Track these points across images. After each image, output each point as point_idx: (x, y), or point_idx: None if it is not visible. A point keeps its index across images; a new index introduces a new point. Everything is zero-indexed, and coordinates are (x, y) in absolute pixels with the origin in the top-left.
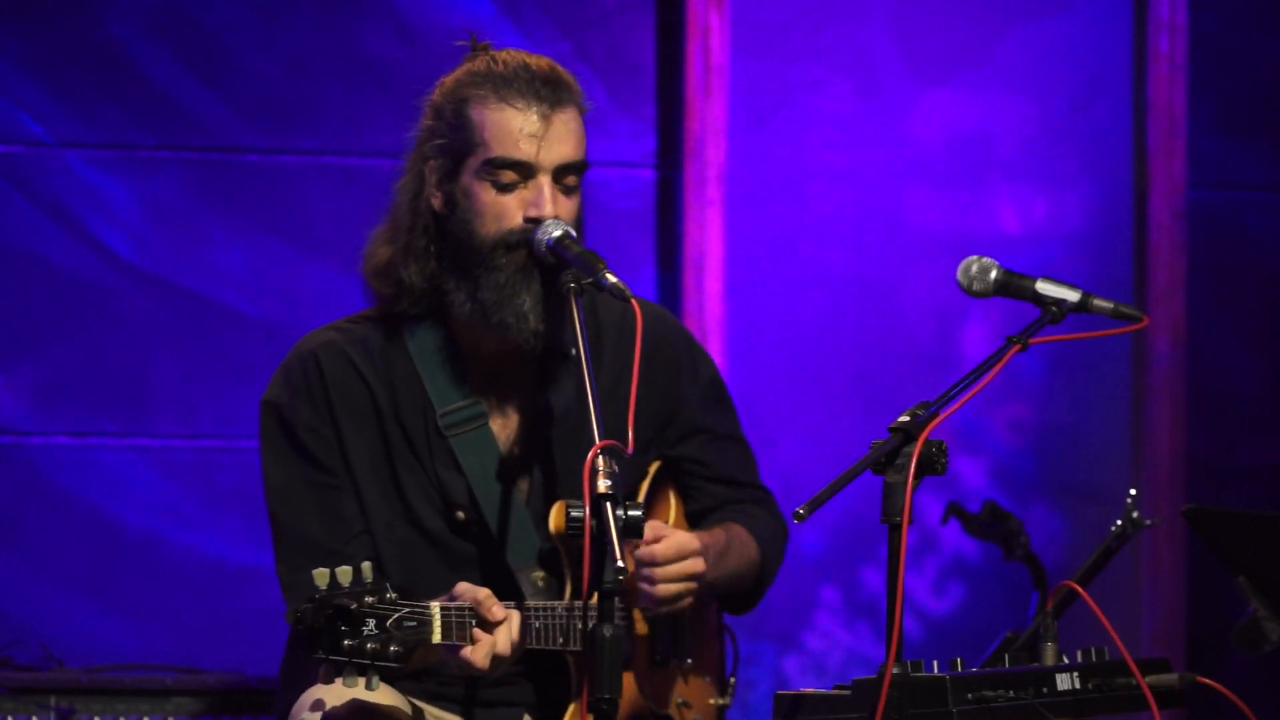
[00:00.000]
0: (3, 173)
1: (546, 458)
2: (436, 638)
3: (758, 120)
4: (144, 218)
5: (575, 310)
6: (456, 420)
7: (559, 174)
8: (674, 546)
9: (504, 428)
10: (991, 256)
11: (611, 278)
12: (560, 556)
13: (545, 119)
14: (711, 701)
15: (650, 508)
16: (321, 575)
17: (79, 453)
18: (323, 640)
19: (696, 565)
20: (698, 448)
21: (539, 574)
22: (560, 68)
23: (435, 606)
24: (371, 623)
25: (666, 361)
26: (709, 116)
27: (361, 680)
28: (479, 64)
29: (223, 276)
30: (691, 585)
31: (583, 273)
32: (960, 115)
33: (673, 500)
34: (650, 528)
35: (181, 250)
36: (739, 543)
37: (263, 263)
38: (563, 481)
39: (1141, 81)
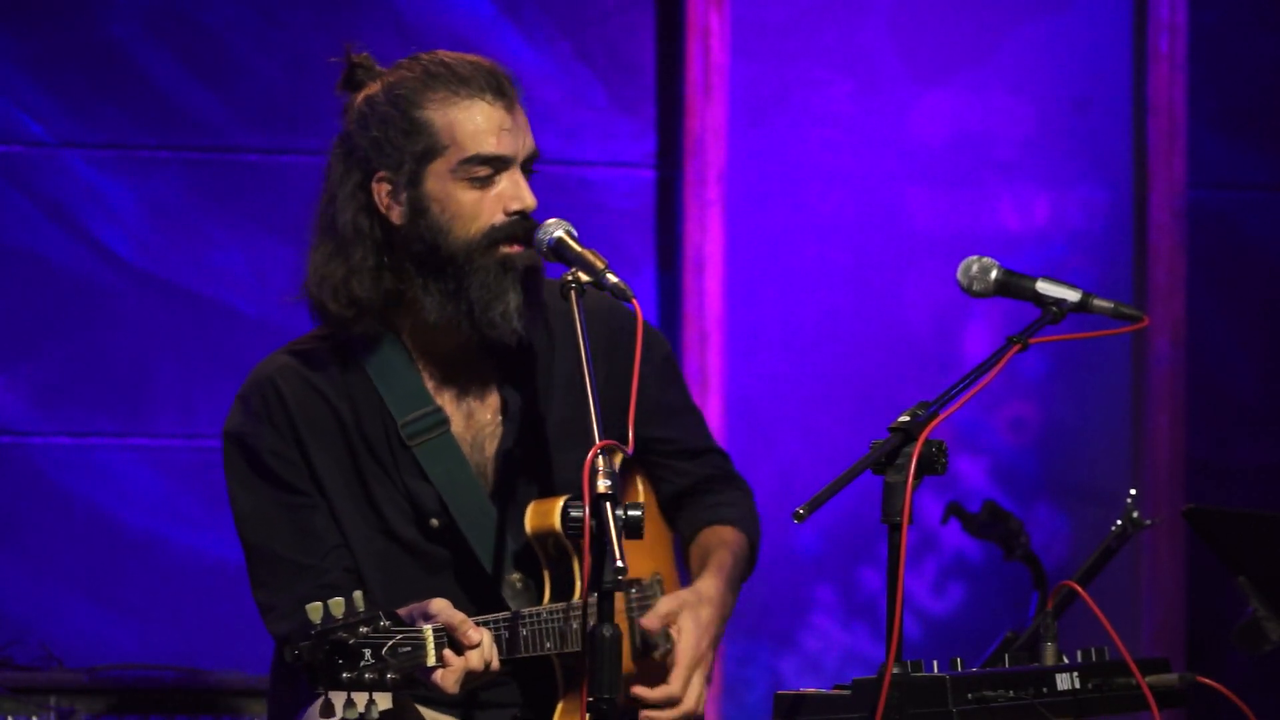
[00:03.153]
0: (3, 173)
1: (510, 455)
2: (431, 660)
3: (758, 120)
4: (144, 218)
5: (577, 310)
6: (419, 429)
7: (525, 165)
8: (661, 696)
9: (466, 429)
10: (991, 256)
11: (613, 277)
12: (538, 557)
13: (510, 112)
14: None
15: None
16: (315, 609)
17: (79, 453)
18: (321, 675)
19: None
20: (661, 426)
21: (515, 576)
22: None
23: (428, 630)
24: (368, 653)
25: (621, 346)
26: (709, 116)
27: (359, 711)
28: (412, 70)
29: (223, 276)
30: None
31: (585, 271)
32: (960, 115)
33: (640, 486)
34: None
35: (181, 250)
36: (737, 555)
37: (263, 263)
38: (528, 477)
39: (1141, 81)
